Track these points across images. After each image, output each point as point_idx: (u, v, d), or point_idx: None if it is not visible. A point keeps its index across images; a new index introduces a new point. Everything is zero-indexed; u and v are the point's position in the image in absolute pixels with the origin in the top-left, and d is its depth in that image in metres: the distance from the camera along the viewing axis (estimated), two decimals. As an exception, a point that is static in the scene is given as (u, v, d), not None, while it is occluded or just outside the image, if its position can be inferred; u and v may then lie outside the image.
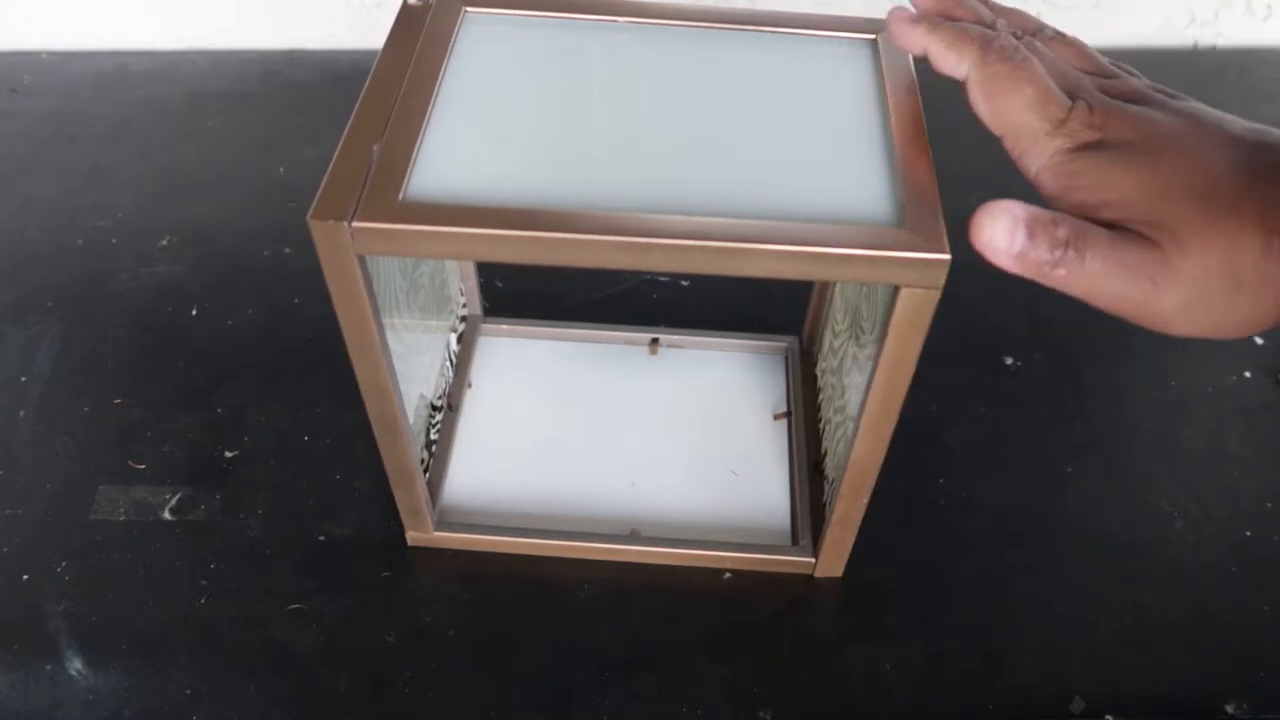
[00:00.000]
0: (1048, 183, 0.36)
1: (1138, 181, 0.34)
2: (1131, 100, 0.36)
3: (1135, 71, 0.39)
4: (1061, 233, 0.33)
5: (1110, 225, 0.34)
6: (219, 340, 0.65)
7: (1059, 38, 0.40)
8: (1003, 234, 0.33)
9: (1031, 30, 0.40)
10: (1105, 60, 0.39)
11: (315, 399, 0.61)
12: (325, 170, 0.38)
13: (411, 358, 0.51)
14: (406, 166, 0.38)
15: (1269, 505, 0.57)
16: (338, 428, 0.59)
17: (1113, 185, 0.34)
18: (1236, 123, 0.35)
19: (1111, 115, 0.35)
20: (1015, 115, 0.36)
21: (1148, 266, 0.33)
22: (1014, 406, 0.61)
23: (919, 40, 0.38)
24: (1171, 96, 0.37)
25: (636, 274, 0.68)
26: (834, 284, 0.58)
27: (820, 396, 0.60)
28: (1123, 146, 0.34)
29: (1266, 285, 0.32)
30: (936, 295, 0.37)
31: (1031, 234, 0.33)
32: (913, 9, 0.39)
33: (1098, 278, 0.33)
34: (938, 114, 0.42)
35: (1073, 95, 0.36)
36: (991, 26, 0.39)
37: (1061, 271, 0.33)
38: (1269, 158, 0.33)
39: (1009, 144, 0.36)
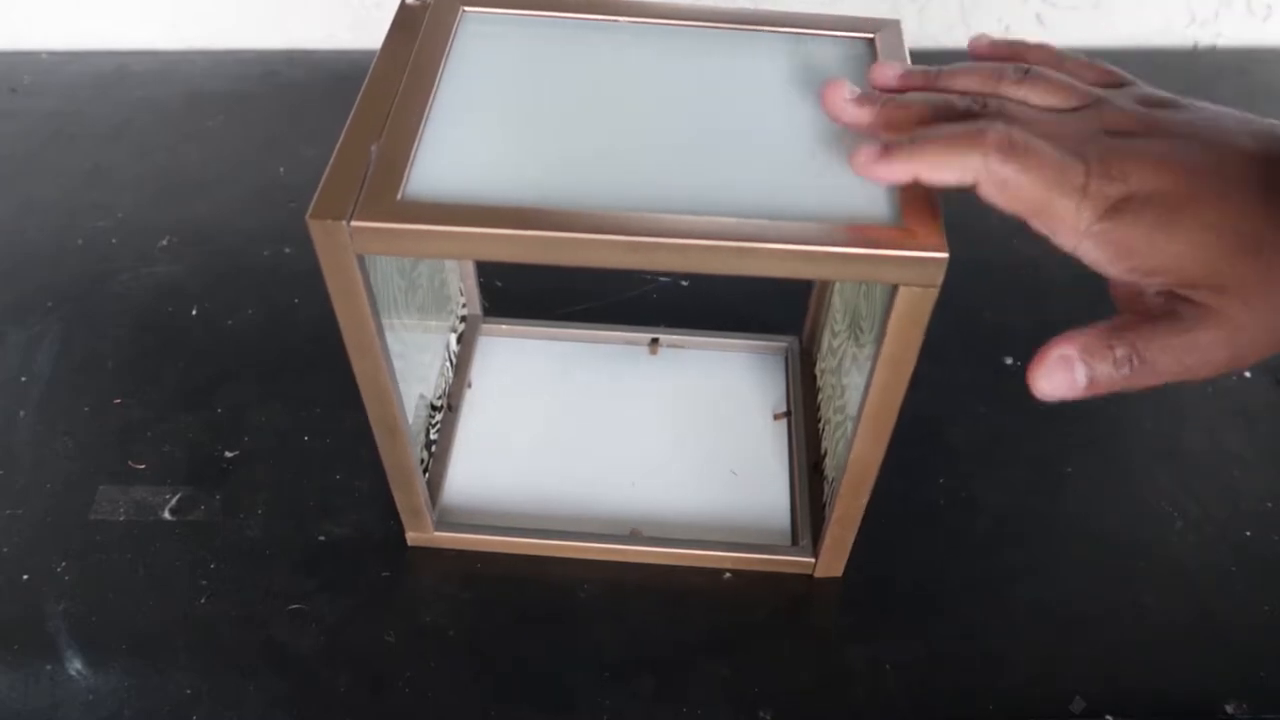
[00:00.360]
0: (1090, 253, 0.34)
1: (1184, 245, 0.33)
2: (1134, 129, 0.35)
3: (1115, 75, 0.38)
4: (1120, 351, 0.34)
5: (1165, 291, 0.34)
6: (219, 340, 0.65)
7: (1027, 79, 0.37)
8: (1062, 383, 0.34)
9: (996, 80, 0.37)
10: (1079, 84, 0.37)
11: (315, 399, 0.61)
12: (324, 170, 0.38)
13: (411, 357, 0.51)
14: (405, 166, 0.38)
15: (1269, 505, 0.57)
16: (338, 428, 0.59)
17: (1160, 251, 0.33)
18: (1239, 130, 0.35)
19: (1127, 160, 0.34)
20: (1036, 199, 0.33)
21: (1216, 337, 0.33)
22: (1014, 406, 0.61)
23: (900, 172, 0.35)
24: (1161, 104, 0.36)
25: (637, 277, 0.68)
26: (833, 284, 0.58)
27: (820, 396, 0.60)
28: (1153, 200, 0.33)
29: None
30: (935, 294, 0.37)
31: (1089, 364, 0.34)
32: (871, 151, 0.35)
33: (1170, 368, 0.34)
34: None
35: (1079, 151, 0.34)
36: (949, 109, 0.36)
37: (1133, 379, 0.34)
38: None
39: (1036, 225, 0.34)
